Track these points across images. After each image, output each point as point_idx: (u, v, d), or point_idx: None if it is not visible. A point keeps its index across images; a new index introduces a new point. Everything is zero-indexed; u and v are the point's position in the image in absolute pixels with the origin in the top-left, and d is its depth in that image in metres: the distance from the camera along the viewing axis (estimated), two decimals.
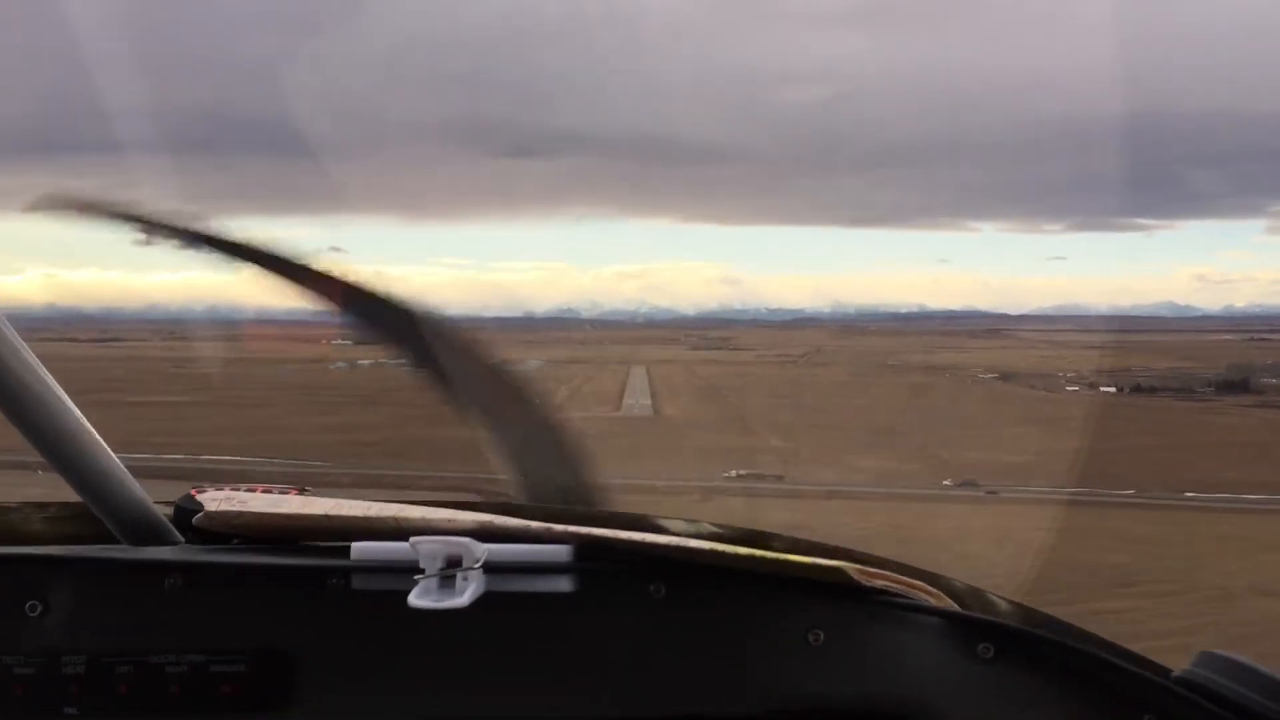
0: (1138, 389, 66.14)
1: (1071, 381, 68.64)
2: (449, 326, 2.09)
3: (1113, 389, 65.03)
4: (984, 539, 26.02)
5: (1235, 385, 64.28)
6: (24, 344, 1.50)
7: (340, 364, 71.37)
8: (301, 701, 1.63)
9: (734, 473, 37.13)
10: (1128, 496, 37.55)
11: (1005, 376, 70.13)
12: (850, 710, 1.60)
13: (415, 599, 1.48)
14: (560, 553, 1.60)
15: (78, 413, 1.61)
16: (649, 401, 59.03)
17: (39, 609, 1.62)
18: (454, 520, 1.64)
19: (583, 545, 1.61)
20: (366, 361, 72.21)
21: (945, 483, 38.39)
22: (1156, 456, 42.81)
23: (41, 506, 1.84)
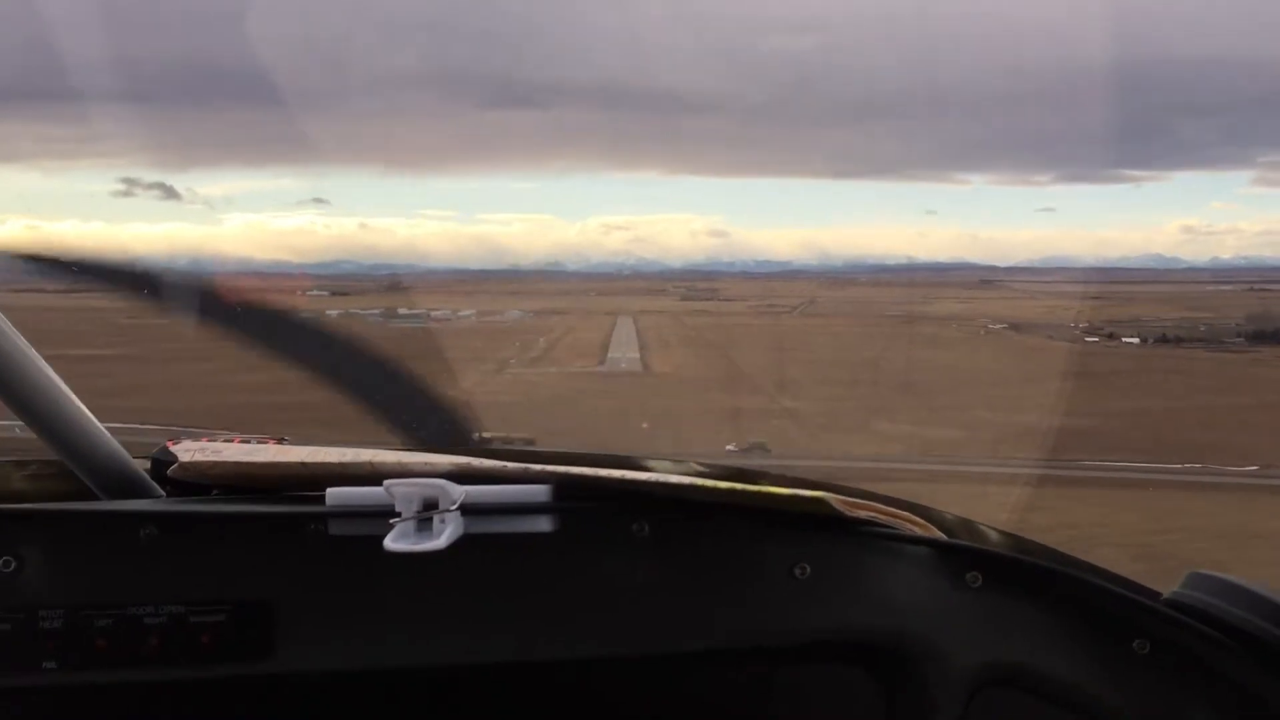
0: (1163, 339, 57.90)
1: (1088, 332, 61.48)
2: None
3: (1136, 339, 57.60)
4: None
5: (1268, 335, 55.76)
6: None
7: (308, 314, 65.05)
8: (281, 650, 1.57)
9: (733, 446, 28.41)
10: (1251, 475, 26.53)
11: (1015, 326, 62.24)
12: (839, 642, 1.57)
13: (391, 542, 1.44)
14: (539, 492, 1.54)
15: (49, 370, 1.56)
16: (636, 355, 50.49)
17: (13, 565, 1.57)
18: (430, 464, 1.56)
19: (562, 485, 1.54)
20: (335, 311, 66.55)
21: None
22: (1248, 419, 33.62)
23: (21, 464, 1.81)
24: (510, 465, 1.57)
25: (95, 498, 1.70)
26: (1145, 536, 19.20)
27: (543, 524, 1.53)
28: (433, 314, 71.34)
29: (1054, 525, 19.90)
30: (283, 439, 1.93)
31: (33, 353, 1.51)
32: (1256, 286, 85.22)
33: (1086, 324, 68.83)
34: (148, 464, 1.77)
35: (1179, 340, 57.66)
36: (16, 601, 1.57)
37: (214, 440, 1.83)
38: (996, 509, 21.59)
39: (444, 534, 1.45)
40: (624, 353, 53.40)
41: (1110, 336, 60.35)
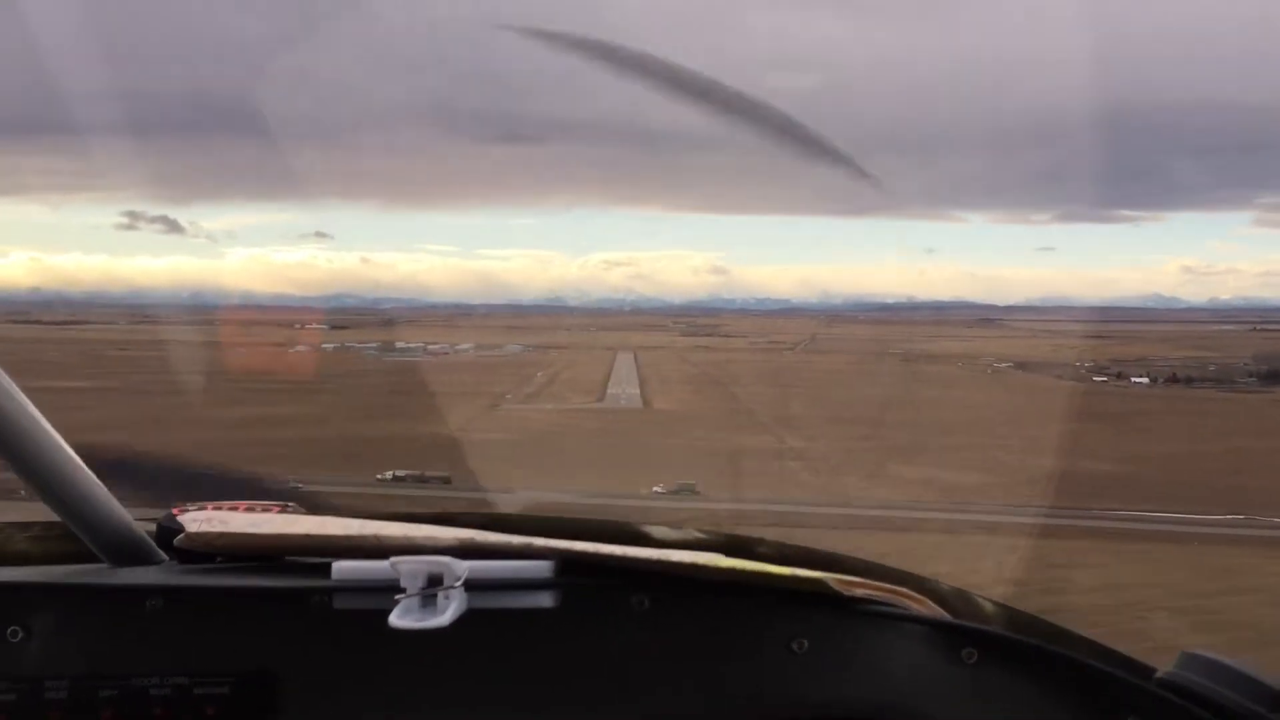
0: (1174, 379, 55.98)
1: (1095, 371, 59.61)
2: None
3: (1145, 379, 55.75)
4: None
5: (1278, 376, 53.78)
6: None
7: (300, 347, 64.10)
8: None
9: (660, 488, 26.82)
10: None
11: (1021, 365, 60.54)
12: (838, 716, 1.52)
13: (396, 619, 1.39)
14: (541, 568, 1.49)
15: (55, 434, 1.49)
16: (637, 391, 48.44)
17: (20, 635, 1.52)
18: (435, 538, 1.54)
19: (564, 560, 1.50)
20: (332, 345, 65.09)
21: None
22: None
23: (25, 526, 1.73)
24: (514, 540, 1.52)
25: (99, 560, 1.63)
26: (1201, 599, 16.98)
27: (545, 600, 1.47)
28: (430, 347, 69.97)
29: (1100, 585, 17.71)
30: (287, 506, 1.80)
31: (38, 415, 1.45)
32: (1259, 327, 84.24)
33: (1092, 363, 67.28)
34: (152, 527, 1.68)
35: (1190, 380, 55.99)
36: (23, 671, 1.50)
37: (220, 509, 1.72)
38: (1035, 565, 19.34)
39: (448, 610, 1.39)
40: (624, 389, 51.40)
41: (1119, 376, 58.67)
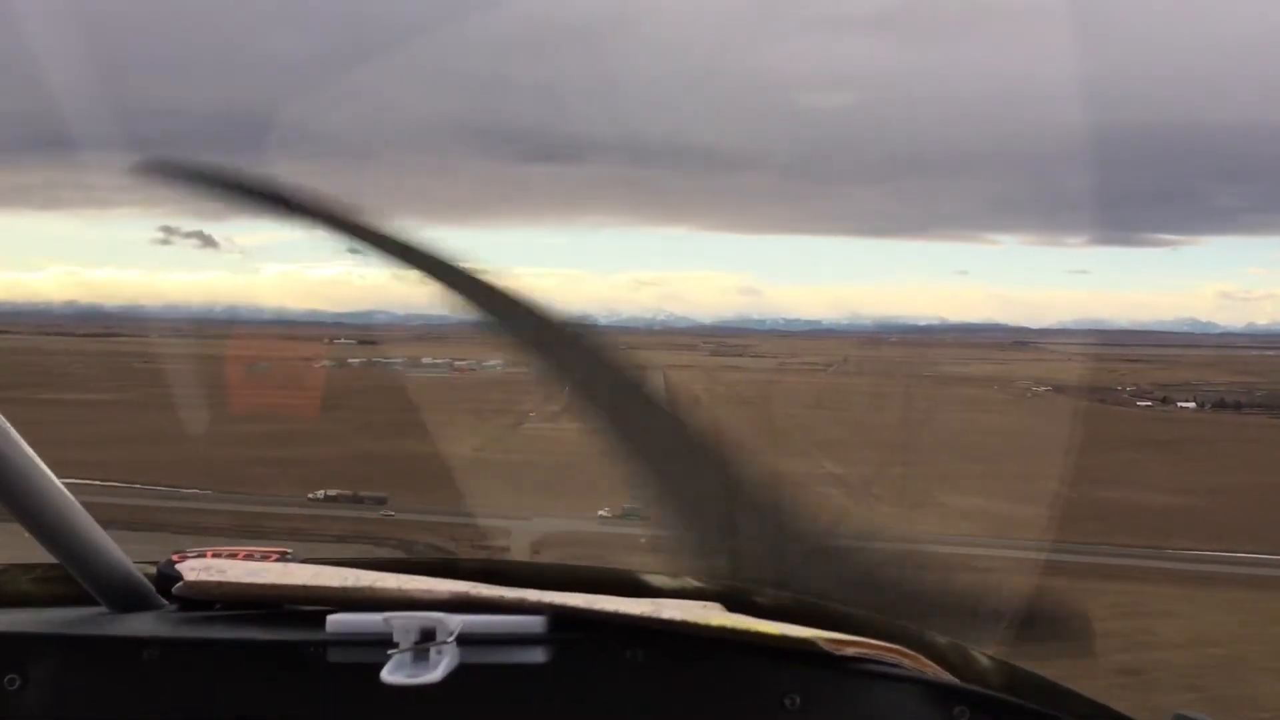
0: (1221, 404, 53.23)
1: (1137, 395, 56.97)
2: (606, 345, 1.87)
3: (1192, 404, 53.07)
4: None
5: None
6: None
7: (326, 362, 63.07)
8: None
9: (606, 512, 26.02)
10: None
11: (1060, 389, 58.01)
12: None
13: (388, 675, 1.38)
14: (534, 623, 1.50)
15: (55, 479, 1.49)
16: None
17: (18, 682, 1.51)
18: (430, 591, 1.54)
19: (557, 615, 1.50)
20: (357, 360, 63.67)
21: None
22: None
23: (27, 568, 1.73)
24: (507, 594, 1.52)
25: (97, 604, 1.63)
26: None
27: (538, 655, 1.48)
28: (456, 363, 68.39)
29: (1189, 640, 15.28)
30: (285, 554, 1.78)
31: (38, 460, 1.45)
32: None
33: (1134, 387, 64.73)
34: (151, 571, 1.67)
35: (1239, 406, 53.39)
36: (20, 719, 1.49)
37: (218, 556, 1.71)
38: (1110, 614, 16.95)
39: (440, 666, 1.39)
40: None
41: (1164, 401, 56.13)
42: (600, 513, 25.96)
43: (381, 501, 26.97)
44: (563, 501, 26.26)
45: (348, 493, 27.48)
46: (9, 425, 1.41)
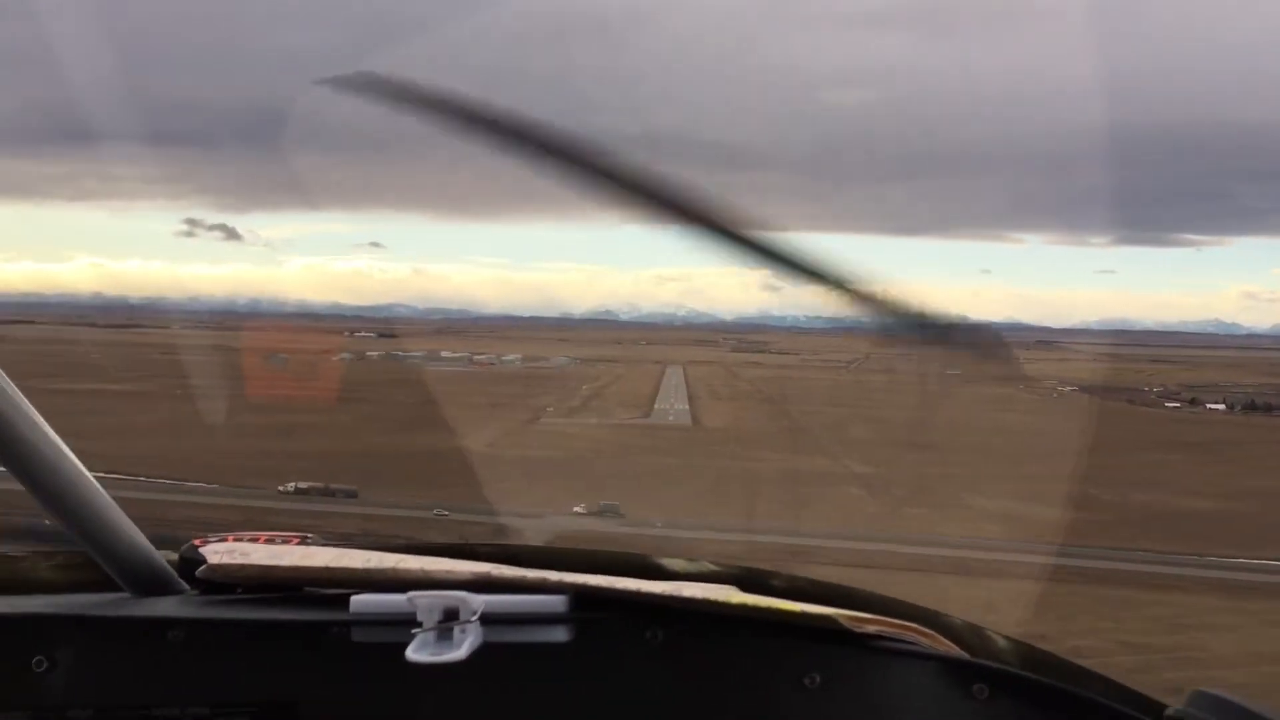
0: (1251, 406, 51.85)
1: (1165, 396, 55.66)
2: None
3: (1221, 405, 51.73)
4: None
5: None
6: (21, 394, 1.39)
7: (345, 355, 63.00)
8: None
9: (581, 508, 25.07)
10: None
11: (1087, 389, 56.84)
12: None
13: (413, 653, 1.40)
14: (556, 603, 1.50)
15: (78, 463, 1.48)
16: (685, 407, 45.34)
17: (45, 664, 1.52)
18: (452, 571, 1.55)
19: (579, 595, 1.50)
20: (376, 353, 63.33)
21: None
22: None
23: (49, 555, 1.73)
24: (529, 574, 1.53)
25: (120, 589, 1.62)
26: None
27: (559, 634, 1.48)
28: (475, 357, 67.82)
29: (1243, 656, 14.18)
30: (306, 538, 1.80)
31: (63, 446, 1.44)
32: None
33: (1162, 388, 63.43)
34: (174, 556, 1.67)
35: (1269, 408, 52.02)
36: (47, 701, 1.51)
37: (240, 540, 1.72)
38: (1155, 628, 15.90)
39: (464, 644, 1.40)
40: (672, 404, 48.42)
41: (1193, 402, 54.82)
42: (575, 509, 25.27)
43: (353, 495, 26.45)
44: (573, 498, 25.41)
45: (319, 485, 26.95)
46: (34, 410, 1.39)
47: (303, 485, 26.58)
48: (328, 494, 26.41)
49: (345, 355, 61.46)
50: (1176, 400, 53.34)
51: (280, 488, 26.49)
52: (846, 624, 1.45)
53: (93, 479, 1.50)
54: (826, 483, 26.68)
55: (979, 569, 18.66)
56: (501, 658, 1.44)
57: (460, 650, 1.38)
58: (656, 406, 44.68)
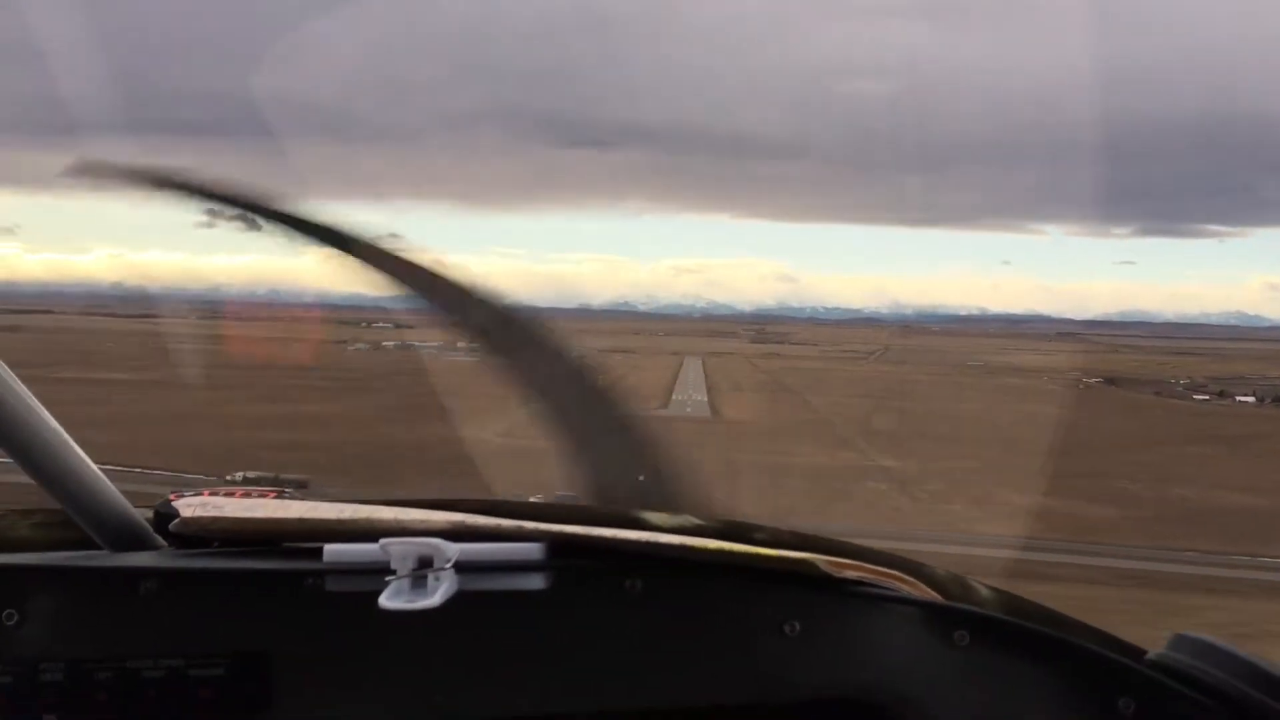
0: None
1: (1193, 389, 54.25)
2: (525, 316, 1.87)
3: (1251, 398, 50.31)
4: None
5: None
6: None
7: (361, 345, 62.45)
8: (279, 704, 1.51)
9: (538, 498, 23.95)
10: None
11: (1112, 381, 55.40)
12: (829, 698, 1.49)
13: (386, 600, 1.38)
14: (532, 550, 1.48)
15: (53, 421, 1.47)
16: (704, 398, 44.21)
17: (15, 617, 1.50)
18: (427, 521, 1.53)
19: (555, 543, 1.49)
20: (392, 343, 62.65)
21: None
22: None
23: (26, 513, 1.70)
24: (505, 523, 1.51)
25: (98, 547, 1.59)
26: None
27: (536, 581, 1.46)
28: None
29: None
30: (282, 493, 1.54)
31: (35, 403, 1.43)
32: None
33: (1189, 380, 61.98)
34: (149, 514, 1.63)
35: None
36: (18, 654, 1.49)
37: (215, 494, 1.71)
38: (1218, 633, 14.65)
39: (438, 592, 1.38)
40: (690, 395, 47.28)
41: (1221, 394, 53.43)
42: (532, 499, 24.54)
43: (303, 485, 26.12)
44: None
45: (269, 475, 26.60)
46: (7, 370, 1.38)
47: (251, 474, 26.37)
48: (276, 484, 26.08)
49: (361, 345, 60.83)
50: (1204, 392, 51.96)
51: (228, 477, 26.38)
52: (826, 569, 1.44)
53: (68, 437, 1.47)
54: (850, 477, 25.54)
55: (1017, 570, 17.50)
56: (477, 605, 1.41)
57: (434, 597, 1.34)
58: (674, 398, 43.59)
